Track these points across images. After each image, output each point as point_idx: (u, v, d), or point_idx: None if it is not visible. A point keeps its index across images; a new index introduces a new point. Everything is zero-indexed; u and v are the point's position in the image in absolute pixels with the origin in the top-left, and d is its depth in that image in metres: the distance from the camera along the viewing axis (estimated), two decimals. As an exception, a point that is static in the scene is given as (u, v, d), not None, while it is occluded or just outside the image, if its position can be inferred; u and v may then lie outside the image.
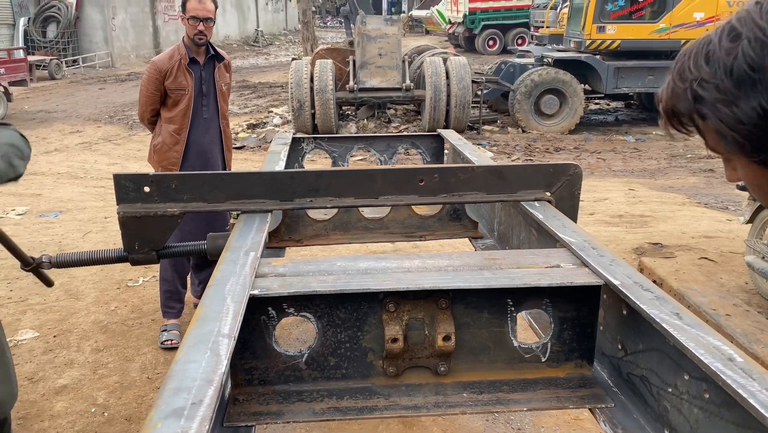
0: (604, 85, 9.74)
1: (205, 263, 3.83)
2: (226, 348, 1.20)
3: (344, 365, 1.63)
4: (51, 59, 17.79)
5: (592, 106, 12.17)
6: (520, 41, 23.37)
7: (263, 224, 1.95)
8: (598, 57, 9.76)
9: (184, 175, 2.02)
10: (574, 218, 2.18)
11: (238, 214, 2.09)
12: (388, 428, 2.85)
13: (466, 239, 2.83)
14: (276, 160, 2.82)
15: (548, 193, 2.17)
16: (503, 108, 11.05)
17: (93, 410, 3.15)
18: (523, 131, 10.03)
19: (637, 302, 1.37)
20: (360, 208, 2.72)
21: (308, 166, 3.62)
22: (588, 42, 9.56)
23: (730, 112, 0.75)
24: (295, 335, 3.74)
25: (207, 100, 3.72)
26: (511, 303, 1.63)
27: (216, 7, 3.66)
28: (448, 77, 9.48)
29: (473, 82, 10.00)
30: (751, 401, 1.02)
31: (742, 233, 4.81)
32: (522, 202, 2.15)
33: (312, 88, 9.36)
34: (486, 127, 10.43)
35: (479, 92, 10.37)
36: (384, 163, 3.53)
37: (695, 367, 1.20)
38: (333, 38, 29.62)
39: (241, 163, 8.15)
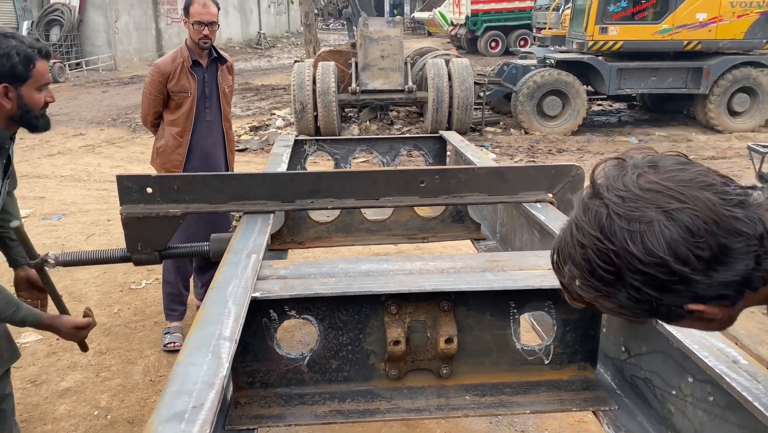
0: (607, 87, 9.71)
1: (207, 266, 3.83)
2: (227, 351, 1.20)
3: (346, 367, 1.62)
4: (54, 63, 17.81)
5: (595, 108, 12.15)
6: (522, 43, 23.34)
7: (265, 226, 1.95)
8: (600, 58, 9.74)
9: (186, 177, 2.03)
10: (577, 220, 2.17)
11: (240, 216, 2.09)
12: (390, 431, 2.84)
13: (469, 241, 2.82)
14: (278, 163, 2.82)
15: (550, 195, 2.17)
16: (506, 109, 11.03)
17: (96, 413, 3.15)
18: (526, 133, 10.01)
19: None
20: (362, 211, 2.71)
21: (311, 168, 3.62)
22: (590, 43, 9.54)
23: (610, 304, 0.86)
24: (298, 337, 3.73)
25: (210, 103, 3.72)
26: (513, 305, 1.62)
27: (218, 9, 3.66)
28: (450, 79, 9.47)
29: (476, 83, 9.98)
30: (756, 404, 1.01)
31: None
32: (524, 204, 2.14)
33: (314, 91, 9.35)
34: (488, 128, 10.41)
35: (482, 94, 10.36)
36: (386, 165, 3.53)
37: (699, 369, 1.19)
38: (335, 40, 29.65)
39: (243, 165, 8.15)
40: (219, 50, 3.79)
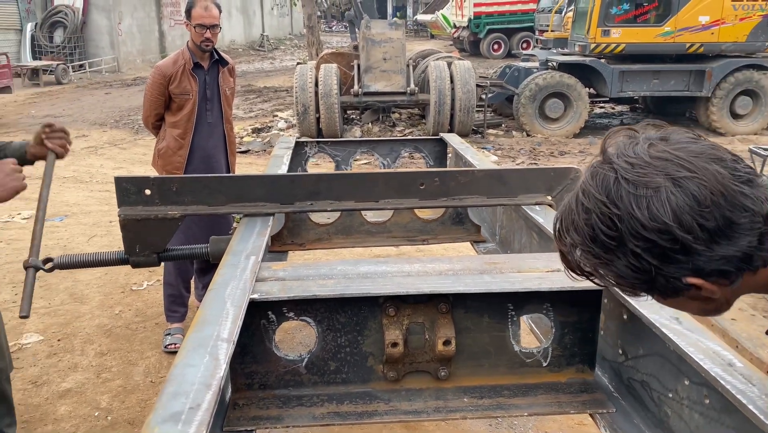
0: (609, 89, 9.71)
1: (209, 267, 3.84)
2: (225, 352, 1.21)
3: (344, 369, 1.63)
4: (58, 64, 17.88)
5: (597, 110, 12.14)
6: (525, 45, 23.34)
7: (265, 228, 1.95)
8: (602, 60, 9.74)
9: (184, 178, 2.03)
10: (576, 222, 2.17)
11: (240, 218, 2.10)
12: (391, 431, 2.84)
13: (469, 243, 2.83)
14: (279, 164, 2.82)
15: (549, 197, 2.17)
16: (508, 112, 11.03)
17: (96, 414, 3.16)
18: (528, 135, 10.01)
19: (638, 307, 1.37)
20: (362, 213, 2.72)
21: (312, 169, 3.63)
22: (593, 46, 9.54)
23: (609, 271, 0.87)
24: (299, 339, 3.74)
25: (211, 105, 3.73)
26: (511, 307, 1.62)
27: (220, 12, 3.67)
28: (452, 81, 9.47)
29: (478, 86, 9.99)
30: (751, 407, 1.01)
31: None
32: (523, 206, 2.14)
33: (317, 93, 9.36)
34: (490, 131, 10.41)
35: (484, 96, 10.36)
36: (387, 167, 3.54)
37: (695, 372, 1.19)
38: (338, 42, 29.68)
39: (245, 167, 8.16)
40: (221, 52, 3.80)
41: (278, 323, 1.58)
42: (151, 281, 4.64)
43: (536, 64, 10.85)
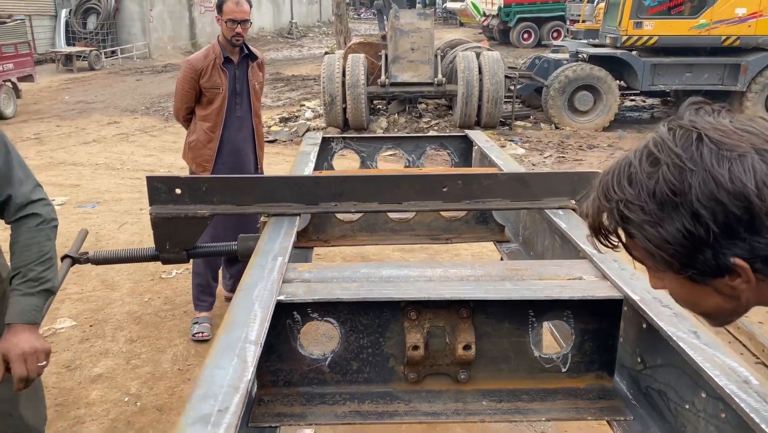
0: (640, 82, 9.56)
1: (236, 258, 3.91)
2: (252, 355, 1.25)
3: (366, 369, 1.67)
4: (91, 50, 18.18)
5: (628, 103, 11.97)
6: (555, 34, 23.04)
7: (291, 228, 2.00)
8: (634, 53, 9.59)
9: (213, 179, 2.09)
10: (600, 227, 2.18)
11: (268, 216, 2.14)
12: (410, 428, 2.89)
13: (492, 243, 2.84)
14: (306, 162, 2.87)
15: (573, 201, 2.18)
16: (537, 103, 10.94)
17: (126, 400, 3.26)
18: (557, 128, 9.93)
19: (656, 319, 1.38)
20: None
21: (338, 164, 3.67)
22: (624, 38, 9.39)
23: (656, 232, 0.80)
24: (323, 330, 3.80)
25: (240, 99, 3.79)
26: (532, 314, 1.65)
27: (251, 6, 3.72)
28: (480, 72, 9.42)
29: (506, 77, 9.91)
30: (764, 426, 1.02)
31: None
32: (546, 210, 2.16)
33: (344, 83, 9.39)
34: (518, 122, 10.34)
35: (512, 87, 10.29)
36: (413, 163, 3.56)
37: (711, 387, 1.21)
38: (366, 30, 29.61)
39: (273, 157, 8.24)
40: (250, 47, 3.85)
41: (303, 323, 1.63)
42: (180, 269, 4.74)
43: (566, 55, 10.72)
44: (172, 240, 2.07)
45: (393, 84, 9.72)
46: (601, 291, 1.57)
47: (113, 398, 3.28)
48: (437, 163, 3.92)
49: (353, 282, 1.62)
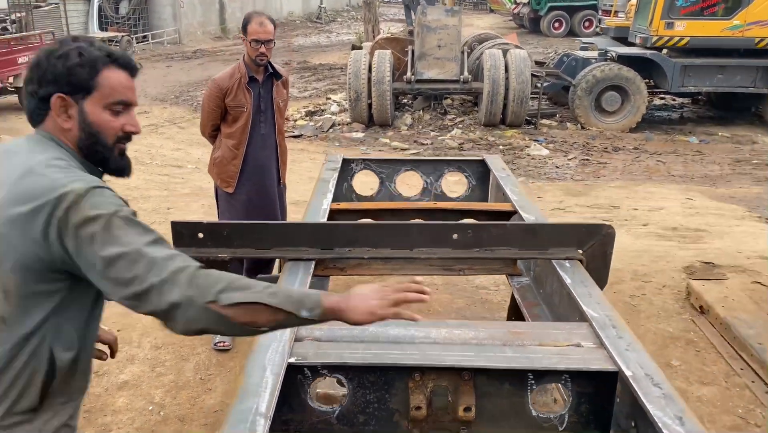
0: (670, 84, 9.42)
1: (257, 268, 4.03)
2: (263, 428, 1.35)
3: (372, 422, 1.77)
4: (123, 36, 18.42)
5: (657, 101, 11.79)
6: (587, 24, 22.68)
7: (306, 276, 2.10)
8: (664, 52, 9.43)
9: (234, 224, 2.19)
10: (605, 278, 2.24)
11: (285, 262, 2.24)
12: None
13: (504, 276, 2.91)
14: (324, 192, 2.95)
15: (580, 252, 2.23)
16: (564, 100, 10.84)
17: (150, 408, 3.42)
18: (582, 128, 9.85)
19: (644, 400, 1.45)
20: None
21: (357, 184, 3.75)
22: (655, 38, 9.25)
23: None
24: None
25: (265, 117, 3.87)
26: (531, 377, 1.72)
27: (275, 27, 3.79)
28: (507, 71, 9.38)
29: (533, 75, 9.86)
30: None
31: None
32: (553, 261, 2.21)
33: (370, 79, 9.44)
34: (544, 121, 10.28)
35: (539, 85, 10.22)
36: (430, 185, 3.63)
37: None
38: (395, 15, 29.46)
39: (297, 154, 8.34)
40: (275, 65, 3.93)
41: (313, 378, 1.73)
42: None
43: (595, 54, 10.59)
44: (193, 282, 2.17)
45: (419, 81, 9.74)
46: (597, 363, 1.64)
47: (138, 406, 3.44)
48: (455, 183, 3.96)
49: (361, 342, 1.71)
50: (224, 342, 3.94)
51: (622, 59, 9.65)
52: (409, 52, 9.91)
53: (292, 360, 1.62)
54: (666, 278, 4.81)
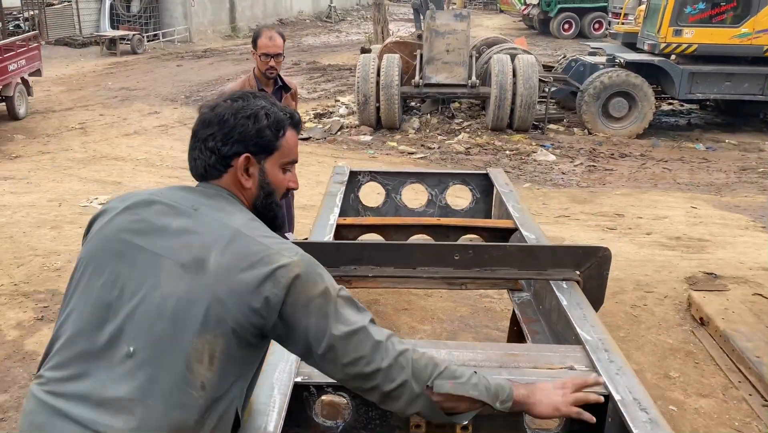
0: (677, 90, 9.45)
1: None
2: (270, 448, 1.44)
3: (374, 438, 1.85)
4: (134, 34, 18.59)
5: (665, 107, 11.81)
6: (597, 26, 22.67)
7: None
8: (672, 58, 9.46)
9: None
10: (601, 299, 2.31)
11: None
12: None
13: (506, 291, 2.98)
14: (331, 206, 3.04)
15: (577, 273, 2.31)
16: (571, 105, 10.87)
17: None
18: (590, 133, 9.89)
19: (631, 425, 1.53)
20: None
21: (364, 195, 3.83)
22: (663, 45, 9.28)
23: None
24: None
25: (273, 128, 3.97)
26: (525, 397, 1.80)
27: (284, 41, 3.88)
28: (514, 76, 9.43)
29: (541, 80, 9.91)
30: None
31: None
32: (551, 282, 2.29)
33: (378, 82, 9.52)
34: (551, 126, 10.32)
35: (546, 89, 10.27)
36: (435, 198, 3.71)
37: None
38: (405, 14, 29.48)
39: (306, 157, 8.43)
40: (284, 78, 4.02)
41: (318, 396, 1.82)
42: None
43: (603, 59, 10.63)
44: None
45: (427, 85, 9.81)
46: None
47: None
48: (460, 197, 4.04)
49: (364, 362, 1.80)
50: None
51: (630, 65, 9.69)
52: (418, 56, 9.98)
53: (298, 379, 1.71)
54: (668, 288, 4.87)
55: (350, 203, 3.61)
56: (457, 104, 10.89)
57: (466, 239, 3.00)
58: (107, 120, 10.76)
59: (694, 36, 9.17)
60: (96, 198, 6.64)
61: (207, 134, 1.44)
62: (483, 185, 3.67)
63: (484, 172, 3.66)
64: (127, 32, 18.64)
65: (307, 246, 2.31)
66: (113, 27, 19.66)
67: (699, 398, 3.57)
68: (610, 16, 20.72)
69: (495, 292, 4.53)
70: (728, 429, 3.36)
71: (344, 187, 3.34)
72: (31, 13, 18.99)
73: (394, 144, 9.34)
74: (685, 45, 9.22)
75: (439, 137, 9.68)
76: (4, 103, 10.11)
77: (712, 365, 3.91)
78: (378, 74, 9.55)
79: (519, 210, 3.00)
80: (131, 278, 1.31)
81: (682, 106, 11.92)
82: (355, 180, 3.67)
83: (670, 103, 11.88)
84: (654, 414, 1.57)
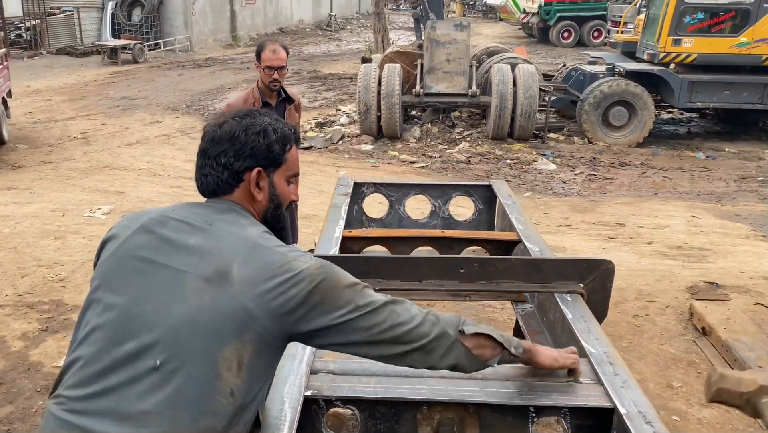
0: (677, 99, 9.50)
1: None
2: (282, 461, 1.46)
3: (382, 451, 1.87)
4: (135, 43, 18.66)
5: (665, 115, 11.86)
6: (596, 34, 22.79)
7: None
8: (671, 67, 9.51)
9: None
10: (605, 311, 2.34)
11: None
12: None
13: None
14: (336, 219, 3.07)
15: (581, 285, 2.33)
16: (572, 114, 10.92)
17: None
18: (590, 142, 9.94)
19: (636, 437, 1.55)
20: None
21: (368, 206, 3.85)
22: (662, 54, 9.34)
23: None
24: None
25: (277, 140, 4.00)
26: (533, 410, 1.82)
27: (288, 54, 3.92)
28: (515, 85, 9.48)
29: (541, 89, 9.96)
30: None
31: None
32: (555, 294, 2.32)
33: (379, 92, 9.57)
34: (551, 135, 10.36)
35: (546, 99, 10.33)
36: (438, 209, 3.74)
37: None
38: (405, 23, 29.62)
39: (307, 166, 8.47)
40: (287, 90, 4.06)
41: (327, 409, 1.84)
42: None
43: (603, 68, 10.69)
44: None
45: (428, 94, 9.87)
46: (594, 399, 1.74)
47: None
48: (462, 207, 4.06)
49: (373, 376, 1.82)
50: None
51: (630, 74, 9.74)
52: (419, 66, 10.04)
53: (308, 393, 1.73)
54: (669, 298, 4.90)
55: (354, 215, 3.63)
56: (457, 113, 10.94)
57: (470, 251, 3.02)
58: (109, 129, 10.80)
59: (693, 45, 9.23)
60: (99, 208, 6.66)
61: (218, 151, 1.48)
62: (486, 196, 3.70)
63: (487, 183, 3.69)
64: (128, 41, 18.72)
65: (314, 259, 2.34)
66: (115, 36, 19.75)
67: (701, 408, 3.58)
68: (609, 24, 20.83)
69: (498, 303, 4.55)
70: (731, 439, 3.37)
71: (348, 199, 3.37)
72: (33, 22, 19.07)
73: (396, 153, 9.39)
74: (685, 54, 9.28)
75: (440, 146, 9.73)
76: None
77: (714, 375, 3.92)
78: (379, 84, 9.61)
79: (522, 222, 3.03)
80: (154, 295, 1.34)
81: (681, 114, 11.98)
82: (359, 192, 3.70)
83: (669, 112, 11.93)
84: (659, 427, 1.59)
